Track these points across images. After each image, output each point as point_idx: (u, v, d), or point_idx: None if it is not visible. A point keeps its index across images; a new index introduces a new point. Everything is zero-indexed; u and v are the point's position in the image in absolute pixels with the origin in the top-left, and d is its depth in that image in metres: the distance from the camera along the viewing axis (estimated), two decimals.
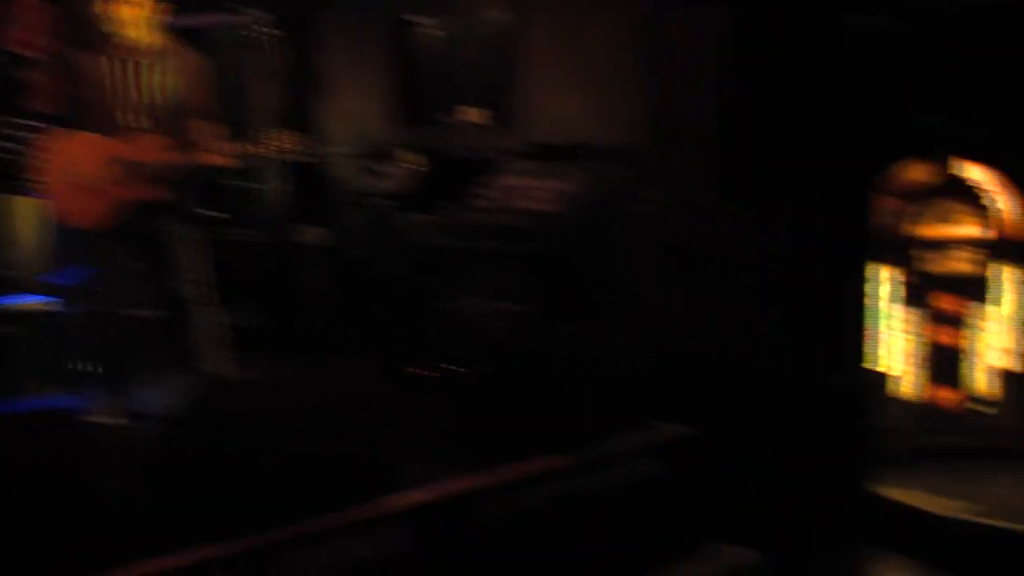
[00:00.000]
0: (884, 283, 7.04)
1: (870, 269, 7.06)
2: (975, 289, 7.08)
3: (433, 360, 5.81)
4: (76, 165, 6.35)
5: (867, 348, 7.02)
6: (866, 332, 7.04)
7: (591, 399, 5.12)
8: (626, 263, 7.28)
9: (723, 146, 7.44)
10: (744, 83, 7.37)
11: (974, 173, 7.08)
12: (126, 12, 6.46)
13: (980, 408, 7.05)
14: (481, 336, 6.08)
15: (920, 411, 7.04)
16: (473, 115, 9.11)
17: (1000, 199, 7.04)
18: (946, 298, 7.08)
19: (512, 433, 4.79)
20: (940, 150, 7.14)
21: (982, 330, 7.07)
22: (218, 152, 6.65)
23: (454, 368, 5.64)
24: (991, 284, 7.07)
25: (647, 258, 7.27)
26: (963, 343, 7.07)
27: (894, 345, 7.05)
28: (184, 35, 6.83)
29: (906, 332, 7.05)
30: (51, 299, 7.24)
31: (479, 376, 5.40)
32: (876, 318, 7.05)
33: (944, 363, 7.06)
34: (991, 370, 7.06)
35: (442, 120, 9.18)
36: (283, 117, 8.01)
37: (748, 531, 5.52)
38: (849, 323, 7.07)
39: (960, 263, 7.14)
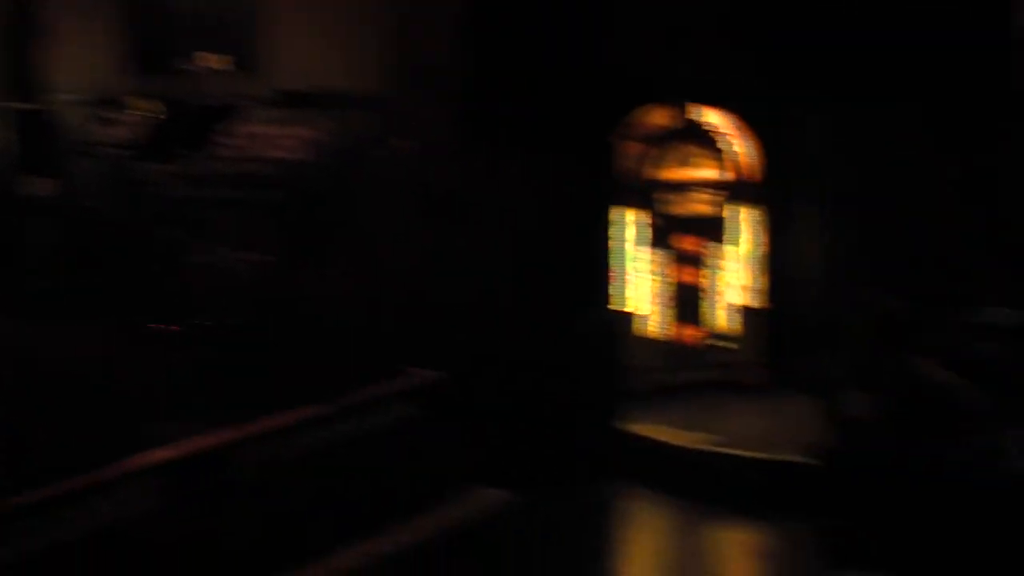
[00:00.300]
0: (629, 226, 7.19)
1: (615, 212, 7.19)
2: (715, 230, 7.33)
3: (176, 314, 5.53)
4: None
5: (614, 290, 7.17)
6: (613, 274, 7.18)
7: (342, 347, 5.00)
8: (373, 211, 7.17)
9: (467, 94, 7.40)
10: (486, 32, 7.35)
11: (711, 117, 7.31)
12: None
13: (721, 344, 7.34)
14: (226, 287, 5.85)
15: (665, 349, 7.25)
16: (214, 61, 8.74)
17: (736, 142, 7.29)
18: (688, 239, 7.30)
19: (263, 384, 4.63)
20: (679, 95, 7.32)
21: (722, 269, 7.34)
22: None
23: (199, 322, 5.39)
24: (729, 225, 7.34)
25: (394, 205, 7.17)
26: (704, 282, 7.32)
27: (640, 286, 7.22)
28: None
29: (651, 273, 7.24)
30: None
31: (226, 328, 5.19)
32: (622, 260, 7.20)
33: (687, 302, 7.29)
34: (731, 308, 7.34)
35: (181, 66, 8.77)
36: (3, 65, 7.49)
37: (503, 472, 5.56)
38: (596, 266, 7.19)
39: (700, 205, 7.37)
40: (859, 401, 4.66)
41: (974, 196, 7.44)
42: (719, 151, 7.30)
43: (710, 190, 7.33)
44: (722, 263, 7.32)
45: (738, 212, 7.33)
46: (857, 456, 4.43)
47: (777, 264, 7.54)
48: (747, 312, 7.34)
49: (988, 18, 7.39)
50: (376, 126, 7.66)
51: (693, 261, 7.31)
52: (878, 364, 4.66)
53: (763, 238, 7.37)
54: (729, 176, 7.29)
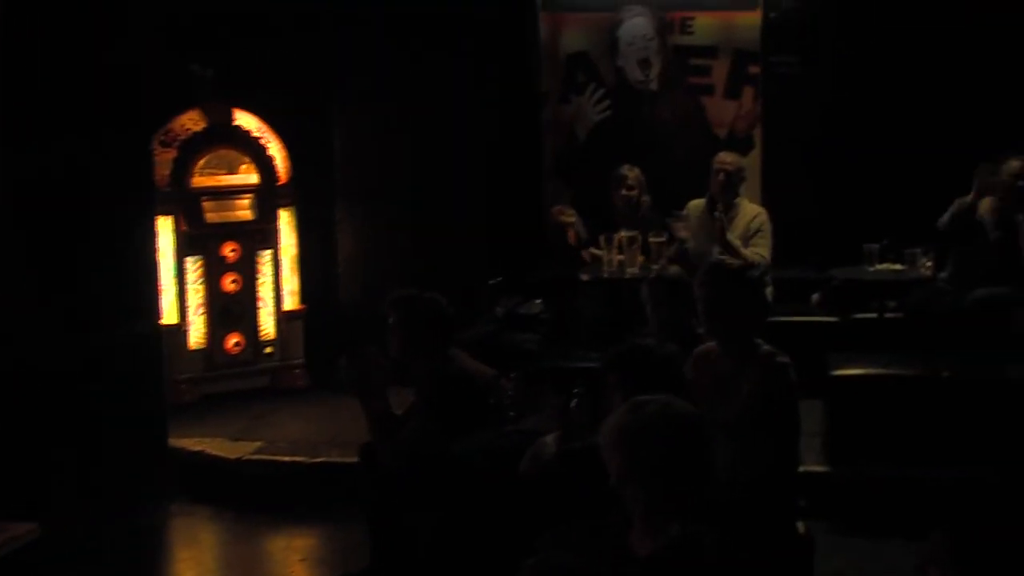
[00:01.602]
0: (168, 235, 6.96)
1: (155, 222, 6.91)
2: (255, 235, 7.25)
3: None
4: None
5: (156, 301, 6.89)
6: (155, 285, 6.90)
7: None
8: None
9: (4, 93, 6.86)
10: (23, 30, 6.84)
11: (247, 121, 7.21)
12: None
13: (266, 350, 7.27)
14: None
15: (210, 359, 7.09)
16: None
17: (272, 146, 7.24)
18: (228, 245, 7.16)
19: None
20: (215, 99, 7.17)
21: (264, 275, 7.26)
22: None
23: None
24: (269, 229, 7.27)
25: None
26: (248, 289, 7.22)
27: (181, 296, 7.00)
28: None
29: (192, 283, 7.04)
30: None
31: None
32: (162, 271, 6.94)
33: (230, 310, 7.16)
34: (274, 313, 7.29)
35: None
36: None
37: (41, 502, 5.21)
38: (136, 277, 6.88)
39: (240, 211, 7.27)
40: (401, 396, 4.75)
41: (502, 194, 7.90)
42: (256, 155, 7.22)
43: (249, 194, 7.24)
44: (264, 268, 7.26)
45: (276, 215, 7.28)
46: (395, 451, 4.52)
47: (315, 265, 7.59)
48: (290, 316, 7.32)
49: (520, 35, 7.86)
50: None
51: (235, 268, 7.19)
52: (418, 359, 4.76)
53: (300, 240, 7.38)
54: (267, 180, 7.23)
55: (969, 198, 6.30)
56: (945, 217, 6.38)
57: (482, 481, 3.93)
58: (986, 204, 6.37)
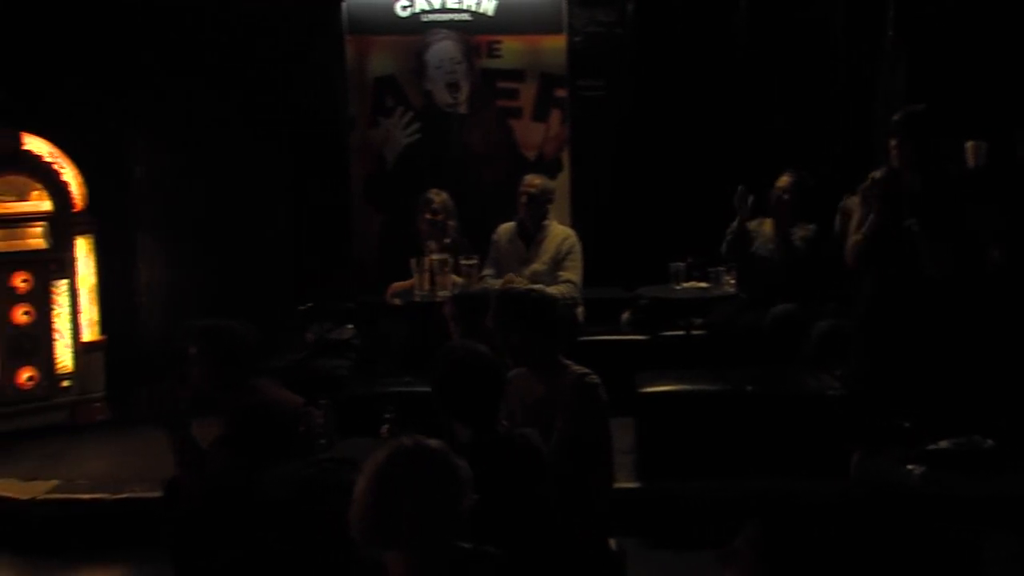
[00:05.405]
0: None
1: None
2: (50, 264, 6.92)
3: None
4: None
5: None
6: None
7: None
8: None
9: None
10: None
11: (37, 146, 6.89)
12: None
13: (64, 384, 6.94)
14: None
15: (0, 394, 6.73)
16: None
17: (65, 172, 6.93)
18: (20, 275, 6.82)
19: None
20: (3, 122, 6.84)
21: (59, 305, 6.94)
22: None
23: None
24: (65, 257, 6.95)
25: None
26: (42, 320, 6.88)
27: None
28: None
29: None
30: None
31: None
32: None
33: (23, 343, 6.81)
34: (71, 344, 6.96)
35: None
36: None
37: None
38: None
39: (33, 239, 6.93)
40: (206, 428, 4.58)
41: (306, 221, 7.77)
42: (48, 181, 6.89)
43: (42, 222, 6.91)
44: (59, 299, 6.93)
45: (74, 244, 6.97)
46: (200, 486, 4.36)
47: (115, 295, 7.30)
48: (89, 347, 7.01)
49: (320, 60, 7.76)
50: None
51: (27, 299, 6.84)
52: (222, 390, 4.60)
53: (99, 269, 7.09)
54: (61, 207, 6.91)
55: (735, 224, 6.53)
56: (724, 246, 6.60)
57: (287, 513, 3.82)
58: (767, 224, 6.63)
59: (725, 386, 5.84)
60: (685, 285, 6.66)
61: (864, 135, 7.25)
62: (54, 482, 5.96)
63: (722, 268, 6.61)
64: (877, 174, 5.47)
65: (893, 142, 5.48)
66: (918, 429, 5.48)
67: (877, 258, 5.46)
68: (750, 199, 6.48)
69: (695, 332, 6.68)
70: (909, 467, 5.39)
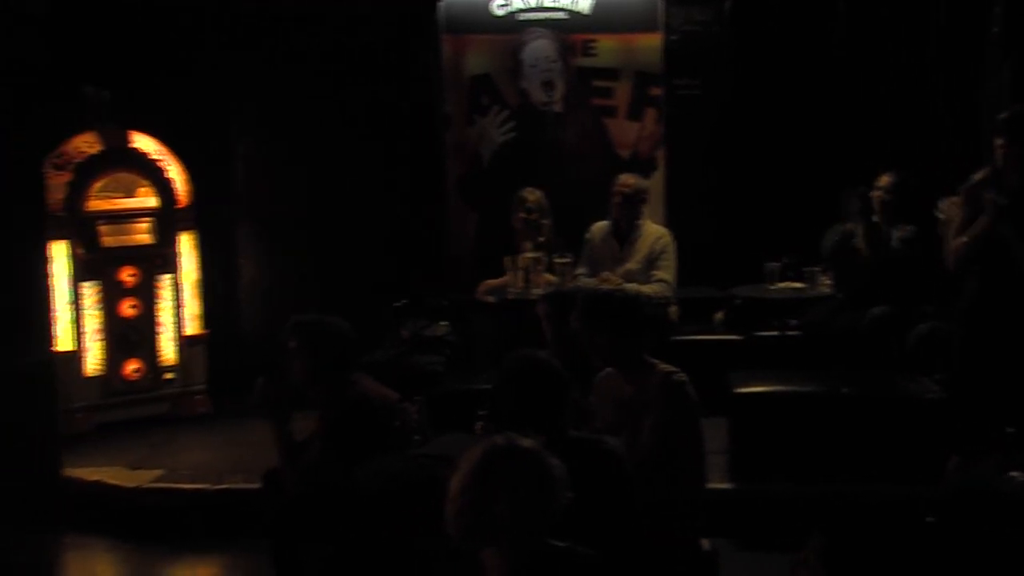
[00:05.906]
0: (63, 260, 6.79)
1: (49, 247, 6.75)
2: (155, 259, 7.11)
3: None
4: None
5: (49, 328, 6.72)
6: (49, 312, 6.73)
7: None
8: None
9: None
10: None
11: (144, 144, 7.08)
12: None
13: (167, 376, 7.13)
14: None
15: (108, 386, 6.92)
16: None
17: (171, 169, 7.12)
18: (127, 270, 7.01)
19: None
20: (112, 121, 7.03)
21: (164, 300, 7.13)
22: None
23: None
24: (169, 253, 7.14)
25: None
26: (147, 314, 7.07)
27: (78, 323, 6.84)
28: None
29: (90, 308, 6.87)
30: None
31: None
32: (57, 297, 6.77)
33: (130, 335, 7.01)
34: (175, 338, 7.15)
35: None
36: None
37: None
38: (31, 304, 6.71)
39: (139, 234, 7.12)
40: (303, 422, 4.68)
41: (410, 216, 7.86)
42: (154, 178, 7.08)
43: (148, 218, 7.10)
44: (164, 293, 7.12)
45: (177, 239, 7.15)
46: (298, 478, 4.46)
47: (219, 290, 7.48)
48: (191, 341, 7.19)
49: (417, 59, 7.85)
50: None
51: (133, 292, 7.04)
52: (320, 384, 4.70)
53: (201, 264, 7.26)
54: (166, 203, 7.10)
55: (846, 225, 6.46)
56: (827, 246, 6.52)
57: (381, 508, 3.88)
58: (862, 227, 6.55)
59: (820, 387, 5.79)
60: (780, 285, 6.61)
61: (971, 134, 7.10)
62: (158, 471, 6.14)
63: (818, 268, 6.54)
64: (979, 175, 5.37)
65: (999, 141, 5.36)
66: (1021, 435, 5.36)
67: (981, 260, 5.36)
68: (859, 201, 6.40)
69: (790, 333, 6.62)
70: (1012, 474, 5.28)
